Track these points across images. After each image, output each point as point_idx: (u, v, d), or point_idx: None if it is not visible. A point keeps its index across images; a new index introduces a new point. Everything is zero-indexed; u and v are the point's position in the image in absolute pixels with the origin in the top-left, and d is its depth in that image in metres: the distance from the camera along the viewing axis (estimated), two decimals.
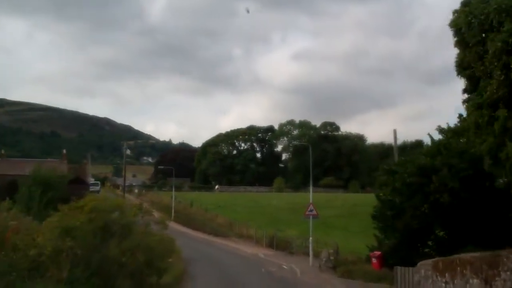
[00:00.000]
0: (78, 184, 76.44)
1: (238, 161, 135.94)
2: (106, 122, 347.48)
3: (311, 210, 34.78)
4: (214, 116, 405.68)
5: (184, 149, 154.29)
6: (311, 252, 34.23)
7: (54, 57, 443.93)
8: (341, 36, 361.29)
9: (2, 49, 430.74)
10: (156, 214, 63.83)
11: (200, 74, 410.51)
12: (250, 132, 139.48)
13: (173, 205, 64.42)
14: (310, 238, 34.87)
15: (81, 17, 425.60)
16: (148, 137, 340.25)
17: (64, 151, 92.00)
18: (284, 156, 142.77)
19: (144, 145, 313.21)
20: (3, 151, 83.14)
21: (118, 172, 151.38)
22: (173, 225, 58.29)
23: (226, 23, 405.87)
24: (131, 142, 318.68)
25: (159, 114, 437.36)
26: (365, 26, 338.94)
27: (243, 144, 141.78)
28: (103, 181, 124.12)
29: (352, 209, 61.17)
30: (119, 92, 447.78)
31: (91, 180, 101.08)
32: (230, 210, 60.58)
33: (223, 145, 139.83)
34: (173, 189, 69.70)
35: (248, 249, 42.72)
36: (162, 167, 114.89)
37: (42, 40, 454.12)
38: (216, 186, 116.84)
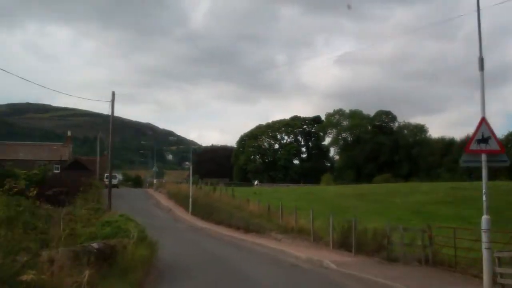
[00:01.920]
0: (77, 170, 57.04)
1: (281, 155, 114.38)
2: (149, 128, 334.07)
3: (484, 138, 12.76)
4: (257, 123, 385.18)
5: (224, 148, 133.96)
6: (487, 263, 12.11)
7: (99, 64, 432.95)
8: (385, 40, 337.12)
9: (49, 56, 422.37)
10: (172, 207, 43.09)
11: (243, 80, 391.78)
12: (294, 123, 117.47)
13: (190, 194, 43.68)
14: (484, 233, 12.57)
15: (125, 25, 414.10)
16: (191, 143, 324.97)
17: (69, 133, 73.35)
18: (332, 151, 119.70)
19: (186, 150, 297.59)
20: None
21: (159, 175, 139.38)
22: (190, 220, 38.58)
23: (269, 28, 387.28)
24: (173, 148, 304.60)
25: (202, 121, 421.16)
26: (410, 29, 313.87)
27: (286, 137, 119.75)
28: (136, 180, 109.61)
29: (453, 193, 39.47)
30: (163, 99, 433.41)
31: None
32: (269, 197, 39.35)
33: (263, 137, 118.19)
34: (191, 173, 48.88)
35: (302, 252, 21.61)
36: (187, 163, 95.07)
37: (88, 47, 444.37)
38: (256, 182, 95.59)
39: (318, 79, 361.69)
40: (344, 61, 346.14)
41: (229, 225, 33.44)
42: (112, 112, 37.42)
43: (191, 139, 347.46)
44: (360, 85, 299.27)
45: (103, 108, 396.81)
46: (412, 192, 42.02)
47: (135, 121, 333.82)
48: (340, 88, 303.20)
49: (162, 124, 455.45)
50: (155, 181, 74.60)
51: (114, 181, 79.43)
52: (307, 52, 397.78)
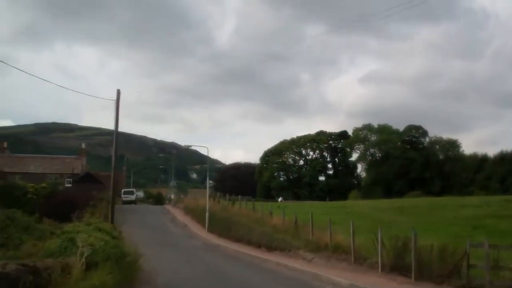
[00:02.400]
0: (87, 182, 52.43)
1: (306, 172, 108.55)
2: (173, 146, 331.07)
3: None
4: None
5: (247, 165, 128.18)
6: None
7: (124, 84, 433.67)
8: (411, 58, 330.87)
9: (76, 76, 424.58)
10: (188, 223, 38.48)
11: (267, 99, 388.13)
12: (319, 139, 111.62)
13: (207, 208, 38.38)
14: None
15: (151, 45, 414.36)
16: (215, 162, 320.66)
17: (83, 145, 69.02)
18: (360, 167, 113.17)
19: (211, 169, 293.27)
20: (5, 144, 60.69)
21: (181, 193, 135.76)
22: (206, 236, 33.45)
23: (293, 47, 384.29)
24: (197, 166, 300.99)
25: (226, 140, 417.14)
26: (436, 47, 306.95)
27: (311, 153, 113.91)
28: (158, 197, 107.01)
29: (509, 206, 33.56)
30: (187, 118, 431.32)
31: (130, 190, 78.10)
32: (295, 211, 33.79)
33: (288, 153, 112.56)
34: (207, 187, 43.42)
35: (341, 277, 16.12)
36: (212, 182, 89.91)
37: (114, 67, 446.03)
38: (280, 199, 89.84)
39: (343, 98, 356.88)
40: (369, 79, 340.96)
41: (249, 242, 28.04)
42: (117, 113, 32.37)
43: (215, 158, 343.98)
44: (386, 103, 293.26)
45: (126, 127, 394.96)
46: (460, 206, 36.16)
47: (160, 140, 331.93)
48: (365, 107, 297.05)
49: (187, 142, 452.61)
50: (172, 196, 69.65)
51: (132, 197, 74.82)
52: (332, 70, 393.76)
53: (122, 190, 77.18)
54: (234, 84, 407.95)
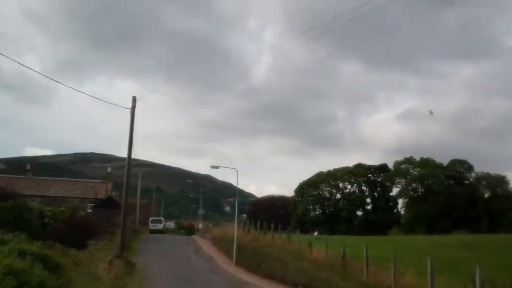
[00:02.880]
0: (109, 208, 47.73)
1: (343, 206, 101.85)
2: (208, 179, 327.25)
3: None
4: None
5: (281, 198, 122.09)
6: None
7: (162, 117, 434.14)
8: (449, 96, 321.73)
9: (115, 109, 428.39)
10: (215, 254, 33.12)
11: (302, 134, 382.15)
12: (357, 172, 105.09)
13: (235, 238, 32.81)
14: None
15: (188, 80, 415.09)
16: (248, 195, 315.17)
17: (109, 169, 64.69)
18: (400, 202, 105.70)
19: (244, 202, 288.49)
20: (28, 166, 56.77)
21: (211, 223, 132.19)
22: (233, 271, 28.03)
23: (330, 83, 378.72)
24: (231, 199, 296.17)
25: (259, 174, 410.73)
26: (476, 85, 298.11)
27: (349, 186, 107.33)
28: (189, 228, 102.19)
29: None
30: (222, 152, 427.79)
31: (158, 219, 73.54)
32: (337, 244, 27.74)
33: (324, 186, 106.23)
34: (236, 212, 37.51)
35: None
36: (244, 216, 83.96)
37: (151, 101, 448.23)
38: (315, 232, 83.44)
39: (379, 134, 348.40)
40: (407, 116, 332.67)
41: (283, 280, 22.42)
42: (132, 121, 27.61)
43: (249, 192, 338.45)
44: (424, 141, 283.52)
45: (163, 159, 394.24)
46: None
47: (195, 173, 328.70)
48: (403, 144, 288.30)
49: (221, 176, 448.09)
50: (200, 225, 64.47)
51: (159, 226, 69.98)
52: (368, 107, 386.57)
53: (150, 219, 72.46)
54: (268, 119, 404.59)
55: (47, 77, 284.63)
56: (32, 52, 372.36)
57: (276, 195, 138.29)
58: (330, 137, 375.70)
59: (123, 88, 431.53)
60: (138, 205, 65.98)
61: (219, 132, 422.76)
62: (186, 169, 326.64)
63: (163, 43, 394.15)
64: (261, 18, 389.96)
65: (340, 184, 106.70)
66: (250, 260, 29.30)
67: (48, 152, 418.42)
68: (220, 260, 34.65)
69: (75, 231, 38.76)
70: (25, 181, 53.70)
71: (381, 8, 24.31)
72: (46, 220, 41.86)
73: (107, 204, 47.89)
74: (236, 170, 36.03)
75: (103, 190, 54.21)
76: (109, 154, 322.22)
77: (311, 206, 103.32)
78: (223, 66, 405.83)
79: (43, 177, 54.48)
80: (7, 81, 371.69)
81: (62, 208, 44.20)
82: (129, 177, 28.28)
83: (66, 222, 39.80)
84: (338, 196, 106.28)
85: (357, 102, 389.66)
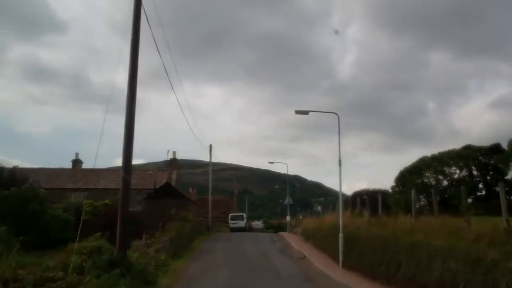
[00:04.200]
0: (165, 197, 36.15)
1: (452, 194, 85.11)
2: (297, 180, 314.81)
3: None
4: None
5: (375, 192, 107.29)
6: None
7: (247, 120, 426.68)
8: None
9: (204, 115, 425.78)
10: (309, 253, 19.66)
11: (391, 129, 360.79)
12: (467, 154, 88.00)
13: (340, 227, 19.68)
14: None
15: (272, 82, 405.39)
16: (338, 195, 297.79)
17: (172, 153, 53.11)
18: None
19: (334, 201, 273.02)
20: (77, 155, 46.75)
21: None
22: (340, 277, 15.26)
23: (417, 75, 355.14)
24: (321, 199, 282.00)
25: (350, 172, 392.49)
26: None
27: (457, 171, 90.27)
28: (278, 226, 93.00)
29: None
30: (310, 152, 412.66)
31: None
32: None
33: (428, 172, 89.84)
34: (340, 190, 23.92)
35: None
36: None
37: (237, 104, 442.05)
38: None
39: (472, 125, 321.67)
40: (500, 104, 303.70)
41: None
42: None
43: (338, 191, 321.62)
44: None
45: (251, 162, 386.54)
46: None
47: (283, 174, 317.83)
48: (498, 133, 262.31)
49: (310, 176, 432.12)
50: (288, 218, 51.72)
51: (241, 223, 58.09)
52: (459, 97, 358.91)
53: (230, 215, 60.74)
54: (356, 116, 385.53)
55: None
56: (121, 64, 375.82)
57: (371, 189, 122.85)
58: (421, 131, 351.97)
59: (209, 94, 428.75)
60: (210, 198, 54.46)
61: (307, 132, 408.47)
62: (274, 170, 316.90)
63: (247, 46, 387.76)
64: (344, 14, 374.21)
65: (446, 170, 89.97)
66: (369, 259, 16.20)
67: (140, 161, 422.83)
68: (318, 261, 21.76)
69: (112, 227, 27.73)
70: (69, 173, 43.44)
71: None
72: (83, 216, 31.00)
73: (163, 194, 36.39)
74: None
75: (164, 180, 42.88)
76: (198, 160, 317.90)
77: (415, 195, 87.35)
78: (308, 65, 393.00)
79: (94, 168, 44.12)
80: (98, 93, 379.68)
81: (106, 201, 33.24)
82: (129, 165, 16.04)
83: (100, 217, 28.80)
84: (445, 183, 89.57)
85: (446, 92, 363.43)
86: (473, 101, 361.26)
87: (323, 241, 24.75)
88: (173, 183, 43.15)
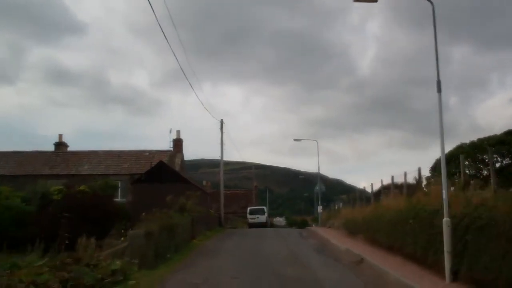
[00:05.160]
0: (160, 181, 26.74)
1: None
2: (318, 177, 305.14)
3: None
4: (428, 169, 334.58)
5: (406, 185, 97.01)
6: None
7: (268, 119, 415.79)
8: None
9: (226, 114, 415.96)
10: (365, 252, 8.60)
11: (413, 126, 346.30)
12: (510, 140, 77.68)
13: (445, 210, 10.35)
14: None
15: (292, 80, 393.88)
16: (361, 191, 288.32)
17: (175, 132, 43.13)
18: None
19: (355, 198, 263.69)
20: (61, 137, 37.96)
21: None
22: None
23: (439, 70, 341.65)
24: (344, 196, 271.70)
25: (371, 169, 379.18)
26: None
27: (499, 159, 79.88)
28: (302, 223, 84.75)
29: None
30: (332, 149, 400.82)
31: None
32: None
33: (467, 160, 79.74)
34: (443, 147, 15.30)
35: None
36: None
37: (257, 104, 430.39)
38: None
39: (495, 119, 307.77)
40: None
41: None
42: None
43: (360, 188, 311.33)
44: None
45: (272, 160, 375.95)
46: None
47: (304, 171, 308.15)
48: None
49: (332, 173, 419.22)
50: (319, 209, 42.24)
51: (262, 218, 48.84)
52: (481, 92, 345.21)
53: (248, 209, 51.48)
54: (377, 112, 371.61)
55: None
56: (140, 66, 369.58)
57: (399, 183, 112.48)
58: (444, 126, 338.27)
59: (229, 93, 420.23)
60: (221, 183, 45.63)
61: (327, 129, 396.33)
62: (295, 168, 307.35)
63: (266, 44, 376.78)
64: (363, 9, 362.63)
65: (486, 158, 79.55)
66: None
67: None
68: (390, 266, 12.33)
69: (83, 219, 19.06)
70: (46, 157, 34.34)
71: None
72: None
73: (155, 176, 27.18)
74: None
75: (170, 157, 33.75)
76: (217, 159, 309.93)
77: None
78: (328, 62, 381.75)
79: (76, 150, 35.02)
80: (118, 95, 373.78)
81: (82, 187, 24.22)
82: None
83: (59, 205, 20.02)
84: (485, 172, 79.12)
85: (469, 87, 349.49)
86: (495, 95, 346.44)
87: (388, 234, 15.35)
88: (177, 169, 34.00)
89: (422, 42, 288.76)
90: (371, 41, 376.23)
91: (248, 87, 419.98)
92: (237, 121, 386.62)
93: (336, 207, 39.23)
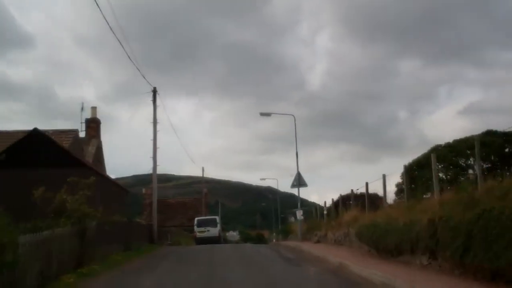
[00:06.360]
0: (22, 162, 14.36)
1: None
2: (269, 191, 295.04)
3: None
4: (379, 182, 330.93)
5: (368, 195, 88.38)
6: None
7: (218, 134, 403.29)
8: None
9: (175, 129, 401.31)
10: None
11: (364, 139, 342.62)
12: (490, 142, 69.06)
13: None
14: None
15: (242, 94, 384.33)
16: (313, 204, 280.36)
17: (84, 105, 30.77)
18: None
19: (308, 211, 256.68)
20: None
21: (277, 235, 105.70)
22: None
23: (388, 83, 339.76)
24: (297, 210, 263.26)
25: (322, 183, 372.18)
26: None
27: (472, 161, 71.28)
28: (258, 237, 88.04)
29: None
30: (282, 163, 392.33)
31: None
32: None
33: (440, 165, 70.59)
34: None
35: None
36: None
37: (207, 118, 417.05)
38: None
39: (444, 132, 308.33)
40: (471, 111, 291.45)
41: None
42: None
43: (312, 201, 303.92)
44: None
45: (222, 175, 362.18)
46: None
47: (255, 186, 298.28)
48: (469, 140, 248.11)
49: (283, 187, 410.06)
50: (299, 213, 30.70)
51: (214, 232, 36.56)
52: (429, 105, 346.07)
53: (196, 219, 38.73)
54: (328, 126, 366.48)
55: None
56: (87, 79, 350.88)
57: (359, 192, 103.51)
58: (393, 139, 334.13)
59: (179, 108, 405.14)
60: (154, 191, 33.41)
61: (279, 144, 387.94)
62: (246, 182, 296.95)
63: (217, 58, 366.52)
64: (313, 22, 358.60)
65: (462, 163, 70.72)
66: None
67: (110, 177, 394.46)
68: None
69: None
70: None
71: None
72: None
73: (24, 156, 15.09)
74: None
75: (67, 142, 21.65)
76: (168, 174, 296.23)
77: (428, 194, 67.94)
78: (279, 75, 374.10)
79: None
80: (63, 110, 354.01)
81: None
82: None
83: None
84: (462, 178, 70.19)
85: (417, 100, 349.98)
86: (443, 108, 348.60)
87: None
88: (90, 160, 21.92)
89: (372, 56, 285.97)
90: (322, 55, 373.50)
91: (197, 101, 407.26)
92: (186, 135, 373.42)
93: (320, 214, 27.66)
